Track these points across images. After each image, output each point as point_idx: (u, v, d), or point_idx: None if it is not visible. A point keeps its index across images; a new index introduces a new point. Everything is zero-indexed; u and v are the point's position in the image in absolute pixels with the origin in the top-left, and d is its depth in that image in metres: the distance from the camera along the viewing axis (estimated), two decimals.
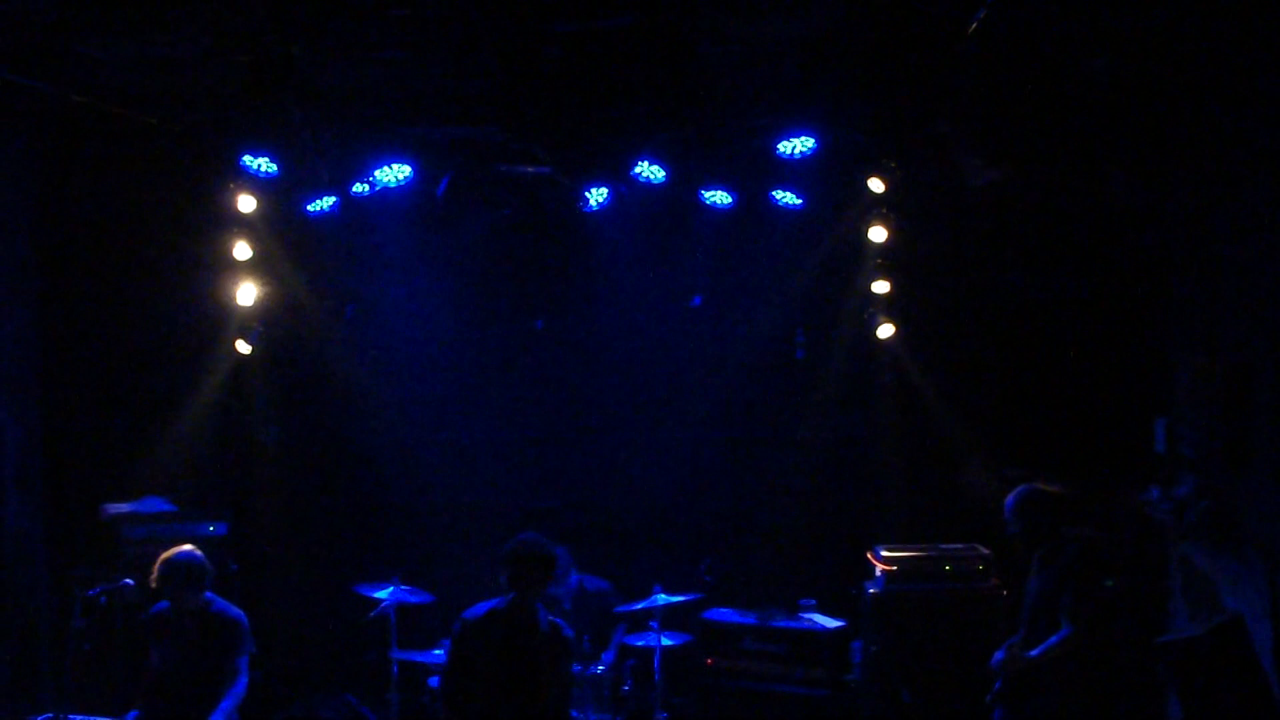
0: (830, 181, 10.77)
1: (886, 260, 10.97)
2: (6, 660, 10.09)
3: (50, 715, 8.02)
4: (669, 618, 10.28)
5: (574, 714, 9.80)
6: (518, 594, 7.92)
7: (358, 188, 10.49)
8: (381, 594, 10.17)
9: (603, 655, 10.70)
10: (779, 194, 10.79)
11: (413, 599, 10.32)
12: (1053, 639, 8.13)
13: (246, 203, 10.64)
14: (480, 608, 8.05)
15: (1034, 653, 8.16)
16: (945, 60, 8.90)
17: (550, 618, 8.13)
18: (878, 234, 10.79)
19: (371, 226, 11.41)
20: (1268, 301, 8.14)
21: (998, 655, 8.59)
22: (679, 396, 12.48)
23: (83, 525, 10.61)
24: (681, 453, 12.46)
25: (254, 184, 10.53)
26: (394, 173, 10.34)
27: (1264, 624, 7.61)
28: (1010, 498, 8.59)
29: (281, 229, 11.23)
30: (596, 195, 10.71)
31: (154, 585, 8.41)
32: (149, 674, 8.45)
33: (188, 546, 8.52)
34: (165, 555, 8.45)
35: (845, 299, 11.60)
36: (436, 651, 10.10)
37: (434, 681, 9.97)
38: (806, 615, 10.77)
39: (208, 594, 8.57)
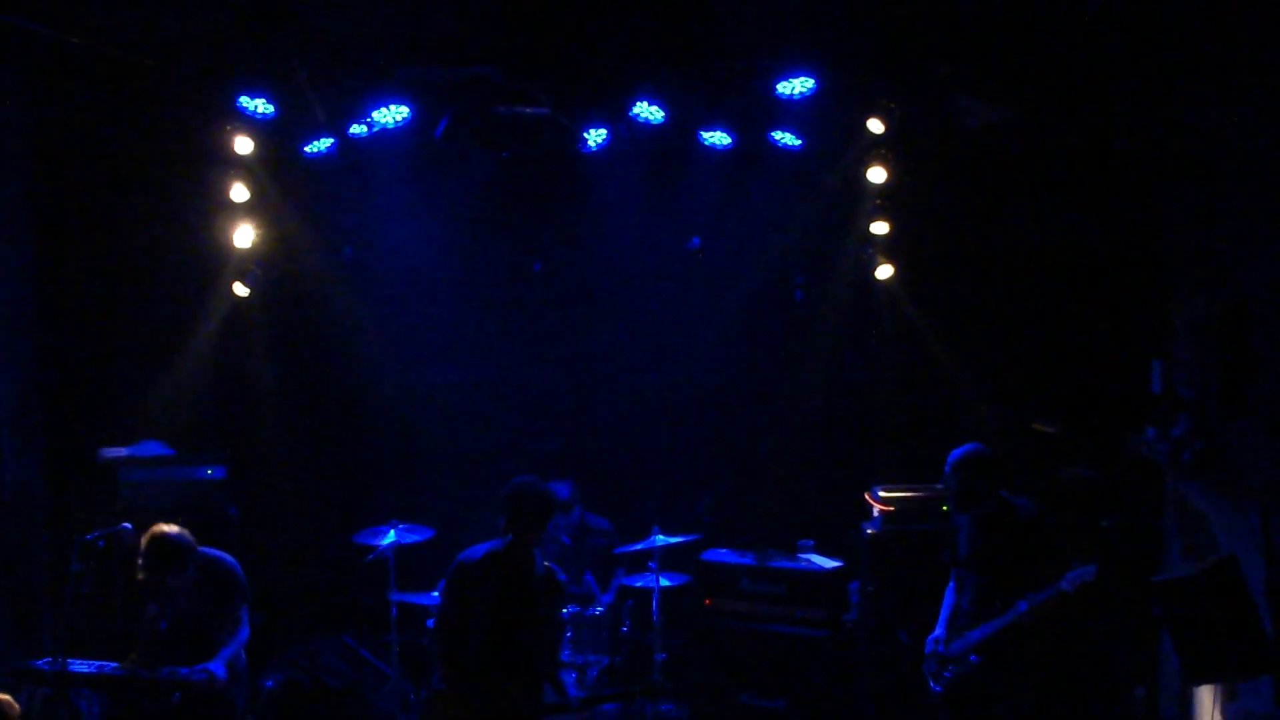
0: (829, 122, 10.71)
1: (885, 201, 10.93)
2: (6, 606, 10.12)
3: (49, 659, 8.05)
4: (667, 559, 10.33)
5: (567, 656, 9.90)
6: (515, 536, 7.96)
7: (355, 129, 10.45)
8: (384, 540, 10.21)
9: (601, 598, 10.76)
10: (778, 135, 10.75)
11: (413, 537, 10.37)
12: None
13: (243, 144, 10.59)
14: (477, 550, 8.09)
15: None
16: (944, 1, 8.86)
17: (546, 562, 8.19)
18: (877, 175, 10.74)
19: (369, 168, 11.35)
20: (1264, 243, 8.14)
21: (949, 644, 8.60)
22: (677, 338, 12.50)
23: (80, 470, 10.62)
24: (679, 394, 12.51)
25: (251, 125, 10.48)
26: (392, 114, 10.29)
27: (1257, 563, 7.63)
28: (956, 452, 8.55)
29: (279, 171, 11.16)
30: (595, 136, 10.71)
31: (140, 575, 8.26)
32: (146, 624, 8.47)
33: (164, 527, 8.29)
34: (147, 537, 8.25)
35: (844, 240, 11.57)
36: (435, 594, 10.14)
37: (432, 623, 10.01)
38: (804, 556, 10.80)
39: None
